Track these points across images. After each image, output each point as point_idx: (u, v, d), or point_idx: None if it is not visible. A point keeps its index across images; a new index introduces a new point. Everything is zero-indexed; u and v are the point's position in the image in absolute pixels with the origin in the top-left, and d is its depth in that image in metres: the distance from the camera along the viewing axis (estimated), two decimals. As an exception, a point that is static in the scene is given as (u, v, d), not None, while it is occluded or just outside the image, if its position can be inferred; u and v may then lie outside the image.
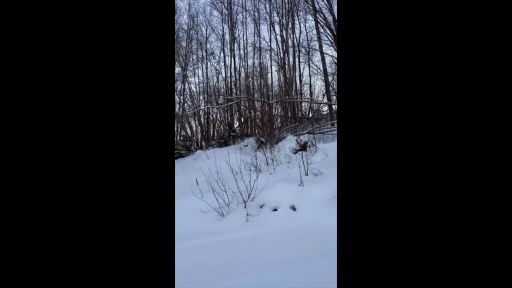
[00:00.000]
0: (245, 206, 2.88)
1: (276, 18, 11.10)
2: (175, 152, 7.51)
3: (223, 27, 11.66)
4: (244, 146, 6.72)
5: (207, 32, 11.78)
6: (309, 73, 11.41)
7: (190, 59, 11.37)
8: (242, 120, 9.91)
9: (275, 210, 2.78)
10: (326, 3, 9.02)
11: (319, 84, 12.20)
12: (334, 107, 8.10)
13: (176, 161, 7.17)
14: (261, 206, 2.86)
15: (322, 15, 9.28)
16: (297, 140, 5.22)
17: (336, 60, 9.48)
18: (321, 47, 9.17)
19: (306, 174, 3.31)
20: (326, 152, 4.33)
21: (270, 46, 11.33)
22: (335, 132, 6.37)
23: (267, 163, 4.47)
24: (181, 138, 9.03)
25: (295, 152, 4.92)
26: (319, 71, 10.64)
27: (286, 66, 10.60)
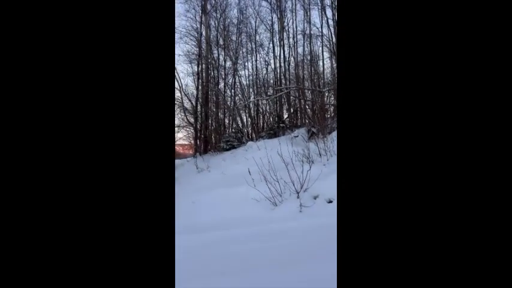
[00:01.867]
0: (298, 197, 2.84)
1: (328, 1, 10.44)
2: (228, 143, 7.84)
3: (272, 17, 11.50)
4: (295, 136, 6.61)
5: (256, 24, 11.79)
6: (365, 57, 10.46)
7: (240, 52, 11.60)
8: (291, 110, 9.75)
9: (330, 202, 2.67)
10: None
11: (376, 69, 11.12)
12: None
13: (229, 152, 7.48)
14: (315, 197, 2.78)
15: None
16: (352, 129, 4.88)
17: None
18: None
19: (364, 166, 3.08)
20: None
21: (322, 32, 10.72)
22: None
23: (320, 154, 4.30)
24: (233, 130, 9.36)
25: (350, 142, 4.61)
26: (376, 53, 9.67)
27: (339, 51, 9.92)
